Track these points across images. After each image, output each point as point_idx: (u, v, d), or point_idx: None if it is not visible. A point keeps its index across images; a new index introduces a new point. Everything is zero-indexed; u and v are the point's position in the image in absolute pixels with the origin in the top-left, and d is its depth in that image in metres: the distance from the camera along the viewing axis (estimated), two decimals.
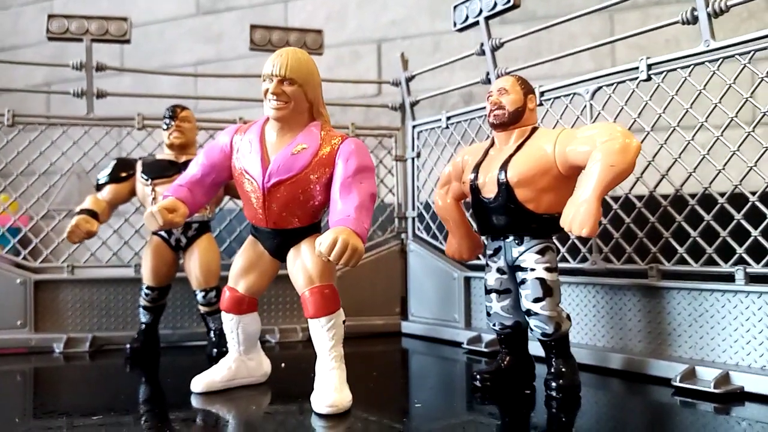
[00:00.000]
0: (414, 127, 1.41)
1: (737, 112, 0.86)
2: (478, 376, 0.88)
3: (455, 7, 1.24)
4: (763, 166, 0.83)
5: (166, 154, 1.15)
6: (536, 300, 0.82)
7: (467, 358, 1.13)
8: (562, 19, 1.11)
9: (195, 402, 0.83)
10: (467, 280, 1.25)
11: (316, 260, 0.81)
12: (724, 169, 0.87)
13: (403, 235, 1.42)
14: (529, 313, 0.83)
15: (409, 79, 1.41)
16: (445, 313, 1.28)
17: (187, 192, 0.84)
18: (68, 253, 1.26)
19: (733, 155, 0.86)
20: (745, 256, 0.85)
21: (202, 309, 1.14)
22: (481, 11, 1.18)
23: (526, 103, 0.86)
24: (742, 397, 0.80)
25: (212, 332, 1.14)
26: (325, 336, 0.80)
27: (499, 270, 0.87)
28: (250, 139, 0.82)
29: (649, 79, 0.95)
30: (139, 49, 1.94)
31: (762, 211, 0.83)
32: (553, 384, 0.81)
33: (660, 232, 0.94)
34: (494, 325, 0.89)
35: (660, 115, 0.94)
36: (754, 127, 0.84)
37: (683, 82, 0.91)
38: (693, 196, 0.91)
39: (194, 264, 1.12)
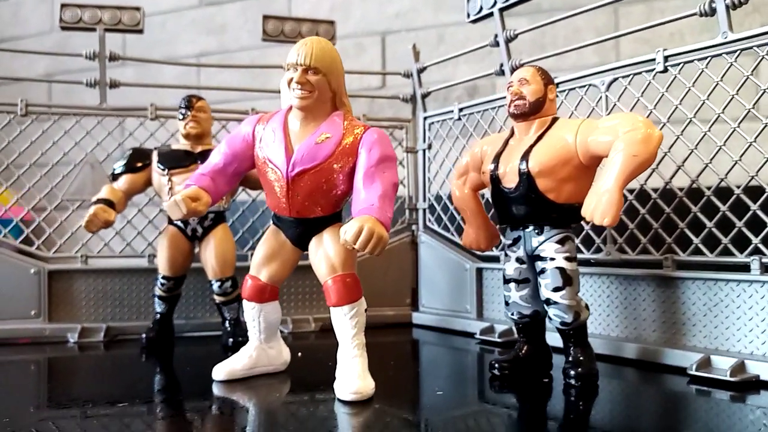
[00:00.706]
0: (425, 118, 1.41)
1: (754, 104, 0.86)
2: (496, 365, 0.88)
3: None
4: None
5: (181, 144, 1.15)
6: (556, 289, 0.83)
7: (480, 348, 1.14)
8: (570, 13, 1.11)
9: (216, 390, 0.83)
10: (479, 271, 1.26)
11: (338, 249, 0.82)
12: (740, 160, 0.88)
13: (413, 227, 1.43)
14: (548, 302, 0.84)
15: (420, 71, 1.41)
16: (457, 303, 1.29)
17: (209, 181, 0.85)
18: (82, 243, 1.26)
19: (749, 146, 0.87)
20: (761, 246, 0.86)
21: (218, 299, 1.14)
22: (495, 3, 1.19)
23: (546, 93, 0.86)
24: (757, 385, 0.81)
25: (227, 322, 1.15)
26: (347, 324, 0.81)
27: (519, 260, 0.88)
28: (274, 128, 0.82)
29: (665, 70, 0.96)
30: (141, 40, 1.93)
31: None
32: (572, 372, 0.82)
33: (675, 223, 0.95)
34: (513, 314, 0.90)
35: (676, 107, 0.95)
36: None
37: (700, 74, 0.92)
38: (708, 187, 0.92)
39: (210, 254, 1.13)
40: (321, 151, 0.80)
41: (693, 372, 0.85)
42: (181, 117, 1.14)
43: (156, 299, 1.16)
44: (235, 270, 1.14)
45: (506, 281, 0.89)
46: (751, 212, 0.87)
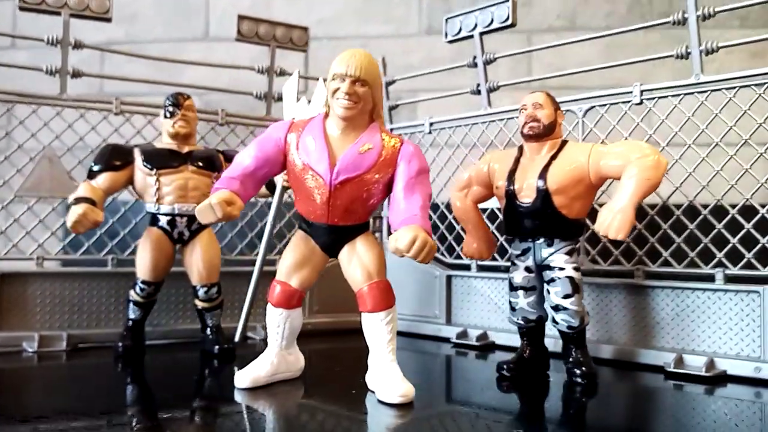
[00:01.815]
0: (392, 130, 1.46)
1: (722, 138, 1.01)
2: (504, 367, 0.95)
3: (447, 20, 1.32)
4: (743, 183, 0.99)
5: (166, 143, 1.11)
6: (566, 296, 0.91)
7: (456, 351, 1.20)
8: (555, 43, 1.22)
9: (240, 398, 0.82)
10: (449, 278, 1.33)
11: (373, 256, 0.85)
12: (707, 185, 1.02)
13: (377, 235, 1.46)
14: (557, 308, 0.92)
15: (389, 83, 1.46)
16: (426, 309, 1.35)
17: (239, 185, 0.83)
18: (38, 243, 1.16)
19: (716, 174, 1.01)
20: (724, 260, 1.00)
21: (201, 305, 1.11)
22: (476, 26, 1.26)
23: (557, 117, 0.95)
24: (725, 379, 0.95)
25: (209, 329, 1.12)
26: (383, 329, 0.83)
27: (527, 269, 0.95)
28: (314, 136, 0.83)
29: (641, 103, 1.08)
30: (36, 25, 1.78)
31: (740, 222, 0.99)
32: (577, 371, 0.91)
33: (646, 237, 1.08)
34: (519, 319, 0.97)
35: (650, 136, 1.07)
36: (737, 151, 0.99)
37: (673, 108, 1.05)
38: (678, 206, 1.05)
39: (197, 258, 1.09)
40: (364, 161, 0.82)
41: (671, 369, 0.97)
42: (168, 115, 1.09)
43: (131, 305, 1.10)
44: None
45: (514, 288, 0.96)
46: (716, 230, 1.01)
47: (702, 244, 1.02)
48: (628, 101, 1.10)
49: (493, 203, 1.07)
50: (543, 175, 0.91)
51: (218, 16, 1.99)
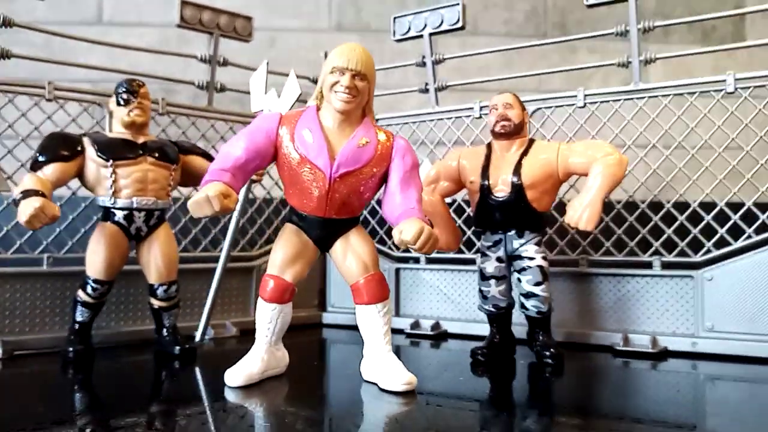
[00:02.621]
0: None
1: (658, 139, 1.13)
2: (479, 352, 1.00)
3: (395, 18, 1.35)
4: (677, 180, 1.11)
5: (119, 132, 1.04)
6: (537, 284, 0.98)
7: (410, 341, 1.24)
8: (505, 47, 1.29)
9: (232, 397, 0.80)
10: (397, 270, 1.36)
11: (368, 249, 0.86)
12: (644, 182, 1.13)
13: None
14: (528, 295, 0.98)
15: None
16: None
17: (231, 178, 0.81)
18: None
19: (652, 173, 1.13)
20: (660, 249, 1.12)
21: (159, 304, 1.05)
22: (425, 26, 1.30)
23: (524, 117, 1.01)
24: (666, 354, 1.06)
25: (165, 329, 1.06)
26: (380, 321, 0.85)
27: (499, 259, 1.01)
28: (310, 129, 0.83)
29: (584, 106, 1.18)
30: None
31: (674, 214, 1.11)
32: (546, 353, 0.98)
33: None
34: (491, 306, 1.02)
35: (593, 136, 1.17)
36: (671, 152, 1.11)
37: (614, 112, 1.16)
38: (618, 201, 1.16)
39: (156, 255, 1.03)
40: (363, 155, 0.83)
41: (621, 347, 1.07)
42: (122, 103, 1.02)
43: (78, 306, 1.02)
44: None
45: (486, 278, 1.01)
46: (653, 222, 1.13)
47: (640, 235, 1.13)
48: (573, 104, 1.19)
49: (460, 197, 1.12)
50: (517, 171, 0.97)
51: None
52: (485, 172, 1.00)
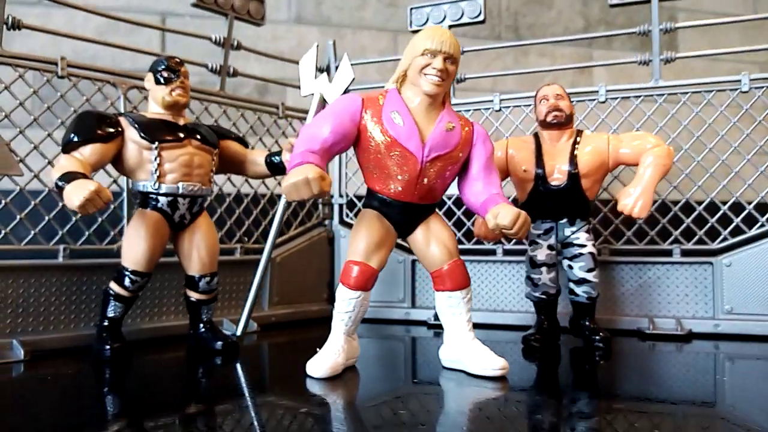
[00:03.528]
0: None
1: (676, 134, 1.19)
2: (531, 338, 1.02)
3: (412, 9, 1.34)
4: (695, 173, 1.18)
5: (158, 113, 0.96)
6: (589, 270, 1.01)
7: (434, 332, 1.23)
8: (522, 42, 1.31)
9: (315, 388, 0.77)
10: (413, 262, 1.35)
11: (450, 235, 0.86)
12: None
13: (327, 222, 1.43)
14: (580, 281, 1.01)
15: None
16: (388, 294, 1.35)
17: (320, 160, 0.78)
18: None
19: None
20: (679, 237, 1.18)
21: (198, 296, 0.99)
22: (445, 18, 1.31)
23: (572, 108, 1.04)
24: (690, 337, 1.13)
25: (203, 324, 1.00)
26: (464, 307, 0.84)
27: (550, 246, 1.03)
28: (399, 111, 0.81)
29: (605, 101, 1.23)
30: None
31: (692, 205, 1.18)
32: (596, 337, 1.01)
33: (610, 219, 1.23)
34: (540, 293, 1.04)
35: (614, 130, 1.22)
36: (688, 147, 1.18)
37: (634, 108, 1.22)
38: None
39: (201, 245, 0.97)
40: (452, 139, 0.82)
41: (650, 331, 1.13)
42: (162, 81, 0.95)
43: (111, 300, 0.93)
44: None
45: (537, 265, 1.03)
46: (672, 212, 1.19)
47: (660, 224, 1.20)
48: (594, 99, 1.23)
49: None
50: (573, 160, 1.00)
51: None
52: (539, 161, 1.01)
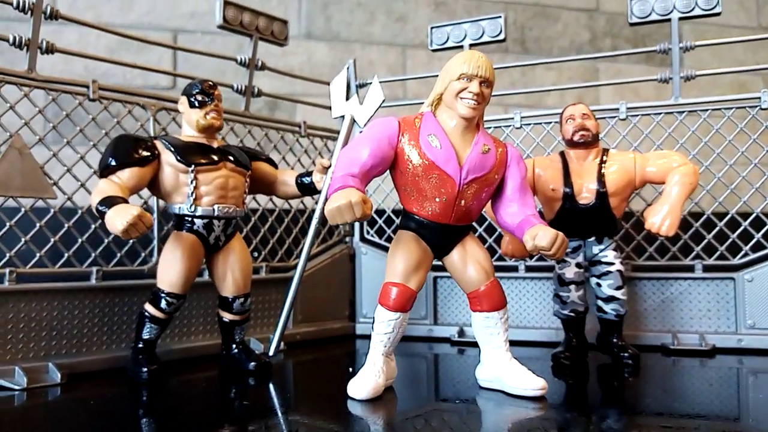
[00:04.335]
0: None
1: (698, 150, 1.21)
2: (561, 356, 1.03)
3: (433, 28, 1.36)
4: (715, 189, 1.20)
5: (192, 136, 0.97)
6: (618, 288, 1.02)
7: (458, 350, 1.24)
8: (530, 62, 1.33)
9: (359, 411, 0.78)
10: (435, 279, 1.36)
11: (486, 255, 0.87)
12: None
13: (348, 239, 1.44)
14: (609, 299, 1.02)
15: (360, 86, 1.44)
16: (411, 311, 1.36)
17: (361, 183, 0.79)
18: (8, 254, 0.93)
19: None
20: (701, 253, 1.20)
21: (232, 317, 0.99)
22: (465, 37, 1.32)
23: (598, 127, 1.06)
24: (713, 352, 1.14)
25: (235, 345, 1.01)
26: (501, 327, 0.85)
27: (578, 265, 1.04)
28: (436, 134, 0.82)
29: (626, 118, 1.25)
30: None
31: (713, 221, 1.19)
32: (625, 354, 1.02)
33: (632, 235, 1.24)
34: (569, 311, 1.05)
35: (634, 147, 1.24)
36: (711, 161, 1.20)
37: (654, 125, 1.24)
38: None
39: (235, 266, 0.98)
40: (488, 161, 0.83)
41: (674, 347, 1.14)
42: (196, 105, 0.96)
43: (147, 323, 0.94)
44: None
45: (566, 283, 1.04)
46: (693, 228, 1.21)
47: (681, 240, 1.21)
48: (615, 116, 1.25)
49: None
50: (600, 179, 1.01)
51: None
52: (567, 180, 1.03)
